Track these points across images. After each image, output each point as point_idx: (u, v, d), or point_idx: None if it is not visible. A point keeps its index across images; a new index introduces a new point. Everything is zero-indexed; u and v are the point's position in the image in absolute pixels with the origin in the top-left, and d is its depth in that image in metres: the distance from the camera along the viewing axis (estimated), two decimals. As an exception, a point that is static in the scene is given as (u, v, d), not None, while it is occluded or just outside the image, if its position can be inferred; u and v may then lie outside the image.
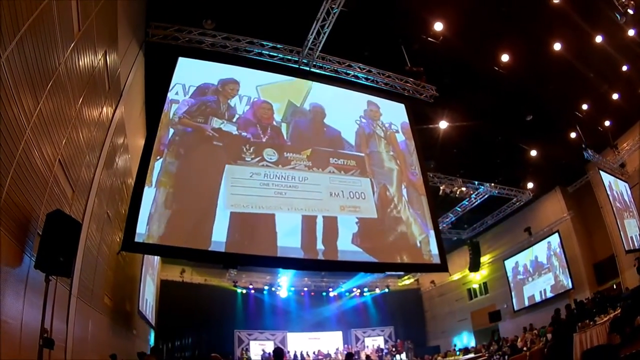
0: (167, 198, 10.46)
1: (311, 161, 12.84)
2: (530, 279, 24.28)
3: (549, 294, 22.68)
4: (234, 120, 12.54)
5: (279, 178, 12.06)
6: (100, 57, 8.34)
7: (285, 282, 29.07)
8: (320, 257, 11.58)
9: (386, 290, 31.96)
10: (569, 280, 21.47)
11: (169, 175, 10.80)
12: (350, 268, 15.60)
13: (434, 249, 13.32)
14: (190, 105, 12.27)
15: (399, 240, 12.89)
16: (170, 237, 10.16)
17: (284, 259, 11.74)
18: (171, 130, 11.60)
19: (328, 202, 12.31)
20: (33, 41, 5.15)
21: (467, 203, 22.19)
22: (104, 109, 9.38)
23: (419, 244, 13.15)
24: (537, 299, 23.43)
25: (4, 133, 4.75)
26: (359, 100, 15.13)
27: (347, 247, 11.93)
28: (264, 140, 12.58)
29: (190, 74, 12.82)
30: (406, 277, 32.41)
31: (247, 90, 13.36)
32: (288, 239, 11.37)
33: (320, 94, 14.41)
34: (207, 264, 25.37)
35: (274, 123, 13.18)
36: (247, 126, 12.63)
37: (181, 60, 12.79)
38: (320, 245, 11.61)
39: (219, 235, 10.60)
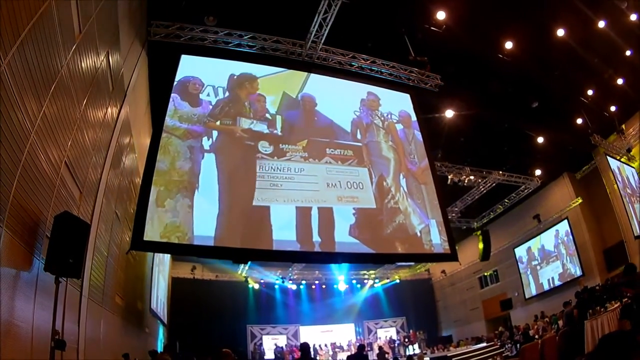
0: (158, 196, 10.41)
1: (307, 152, 12.73)
2: (538, 267, 24.21)
3: (557, 282, 22.63)
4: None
5: (274, 170, 11.95)
6: (102, 57, 8.36)
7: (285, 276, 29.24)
8: (317, 249, 11.45)
9: (397, 280, 31.94)
10: (577, 268, 21.40)
11: (159, 174, 10.72)
12: (349, 260, 15.40)
13: (435, 238, 13.19)
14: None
15: (397, 230, 12.75)
16: (165, 234, 10.08)
17: (280, 252, 11.62)
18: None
19: (325, 193, 12.19)
20: (34, 45, 5.16)
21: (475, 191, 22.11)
22: (109, 109, 9.41)
23: (419, 234, 13.02)
24: (546, 287, 23.37)
25: (9, 137, 4.76)
26: (358, 91, 15.01)
27: (344, 238, 11.80)
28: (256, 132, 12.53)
29: (194, 72, 12.76)
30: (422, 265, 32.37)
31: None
32: (283, 232, 11.24)
33: (317, 84, 14.28)
34: (218, 260, 25.40)
35: (267, 115, 13.06)
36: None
37: (184, 58, 12.78)
38: (316, 237, 11.48)
39: (209, 230, 10.56)
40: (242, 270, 27.22)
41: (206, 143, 11.72)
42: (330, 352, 26.58)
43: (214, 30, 12.85)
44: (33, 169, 5.57)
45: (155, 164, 10.70)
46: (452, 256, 13.48)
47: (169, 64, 12.51)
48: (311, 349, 25.05)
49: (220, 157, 11.56)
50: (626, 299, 10.94)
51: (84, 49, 7.10)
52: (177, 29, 12.51)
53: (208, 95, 12.62)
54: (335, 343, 27.39)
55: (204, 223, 10.53)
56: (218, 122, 12.08)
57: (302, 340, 26.97)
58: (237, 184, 11.46)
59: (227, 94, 12.80)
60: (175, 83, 12.29)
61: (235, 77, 13.18)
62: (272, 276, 28.83)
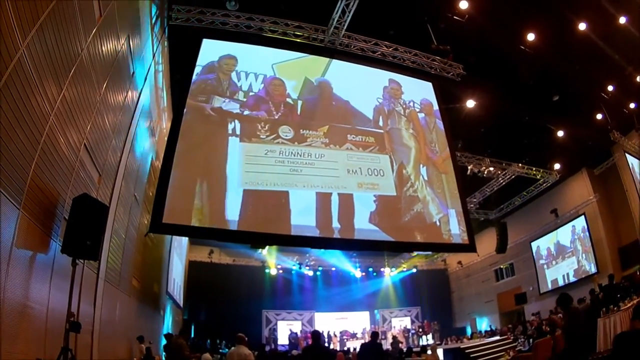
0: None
1: (328, 138, 12.63)
2: (554, 262, 23.97)
3: (572, 279, 22.34)
4: (237, 97, 12.38)
5: (294, 155, 11.88)
6: (123, 41, 8.36)
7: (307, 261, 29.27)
8: (336, 235, 11.39)
9: (414, 270, 31.84)
10: (591, 265, 21.06)
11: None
12: (368, 247, 15.46)
13: (454, 228, 13.07)
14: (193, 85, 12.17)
15: (416, 219, 12.64)
16: (180, 217, 10.09)
17: (299, 238, 11.55)
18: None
19: (345, 179, 12.10)
20: (54, 28, 5.15)
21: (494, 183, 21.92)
22: (129, 93, 9.44)
23: (438, 223, 12.91)
24: (560, 283, 23.12)
25: (27, 120, 4.79)
26: (380, 78, 14.86)
27: (364, 225, 11.72)
28: (276, 117, 12.41)
29: (214, 56, 12.76)
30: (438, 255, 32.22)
31: (263, 68, 13.19)
32: (303, 217, 11.21)
33: (339, 71, 14.19)
34: (235, 245, 25.51)
35: (288, 100, 13.00)
36: (259, 104, 12.48)
37: (206, 42, 12.76)
38: (336, 224, 11.41)
39: (232, 214, 10.52)
40: (262, 253, 27.36)
41: (236, 129, 11.76)
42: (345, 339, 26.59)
43: (235, 15, 12.78)
44: (52, 152, 5.60)
45: (177, 146, 10.73)
46: (470, 247, 13.38)
47: (190, 48, 12.51)
48: (325, 336, 25.28)
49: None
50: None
51: (105, 32, 7.10)
52: (198, 13, 12.48)
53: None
54: (347, 331, 27.37)
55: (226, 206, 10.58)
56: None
57: (316, 327, 27.07)
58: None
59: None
60: (201, 68, 12.35)
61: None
62: (289, 261, 28.92)
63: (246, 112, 12.20)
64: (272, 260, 28.17)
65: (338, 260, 30.03)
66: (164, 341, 14.09)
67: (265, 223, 10.99)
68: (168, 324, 18.71)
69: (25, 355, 4.92)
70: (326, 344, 24.19)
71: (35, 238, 5.37)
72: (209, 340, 20.82)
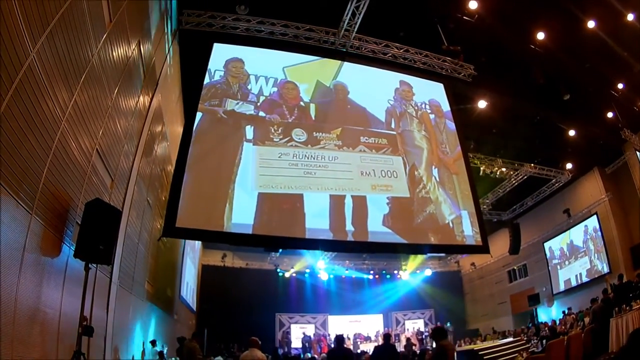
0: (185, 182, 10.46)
1: (341, 140, 12.62)
2: (567, 262, 23.77)
3: (585, 279, 22.10)
4: (249, 99, 12.42)
5: (308, 158, 11.88)
6: (134, 46, 8.40)
7: (322, 266, 29.00)
8: (350, 238, 11.33)
9: (428, 273, 31.66)
10: (604, 265, 20.83)
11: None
12: (381, 249, 15.51)
13: (467, 229, 12.97)
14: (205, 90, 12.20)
15: (428, 220, 12.56)
16: (193, 221, 10.13)
17: (313, 241, 11.54)
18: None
19: (359, 182, 12.06)
20: (64, 34, 5.19)
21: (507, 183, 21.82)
22: (141, 98, 9.48)
23: (451, 225, 12.81)
24: (573, 283, 22.91)
25: (39, 125, 4.82)
26: (391, 79, 14.83)
27: (377, 228, 11.65)
28: (290, 120, 12.42)
29: (224, 60, 12.81)
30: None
31: (274, 71, 13.21)
32: (317, 220, 11.17)
33: (351, 73, 14.18)
34: (248, 248, 25.58)
35: (301, 103, 13.03)
36: (273, 107, 12.49)
37: (217, 46, 12.81)
38: (349, 227, 11.35)
39: (246, 218, 10.54)
40: (272, 260, 27.47)
41: (249, 132, 11.79)
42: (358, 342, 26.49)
43: (246, 19, 12.83)
44: (64, 157, 5.63)
45: (189, 151, 10.76)
46: (483, 248, 13.27)
47: (201, 52, 12.56)
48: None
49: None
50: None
51: (115, 38, 7.14)
52: (208, 18, 12.54)
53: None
54: (361, 334, 27.26)
55: (240, 210, 10.57)
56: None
57: (330, 330, 27.10)
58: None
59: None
60: (212, 72, 12.43)
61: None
62: (302, 265, 28.82)
63: (261, 114, 12.26)
64: (284, 263, 28.27)
65: (351, 263, 29.97)
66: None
67: (280, 226, 11.01)
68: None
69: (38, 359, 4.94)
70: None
71: (48, 243, 5.39)
72: (222, 346, 20.84)
